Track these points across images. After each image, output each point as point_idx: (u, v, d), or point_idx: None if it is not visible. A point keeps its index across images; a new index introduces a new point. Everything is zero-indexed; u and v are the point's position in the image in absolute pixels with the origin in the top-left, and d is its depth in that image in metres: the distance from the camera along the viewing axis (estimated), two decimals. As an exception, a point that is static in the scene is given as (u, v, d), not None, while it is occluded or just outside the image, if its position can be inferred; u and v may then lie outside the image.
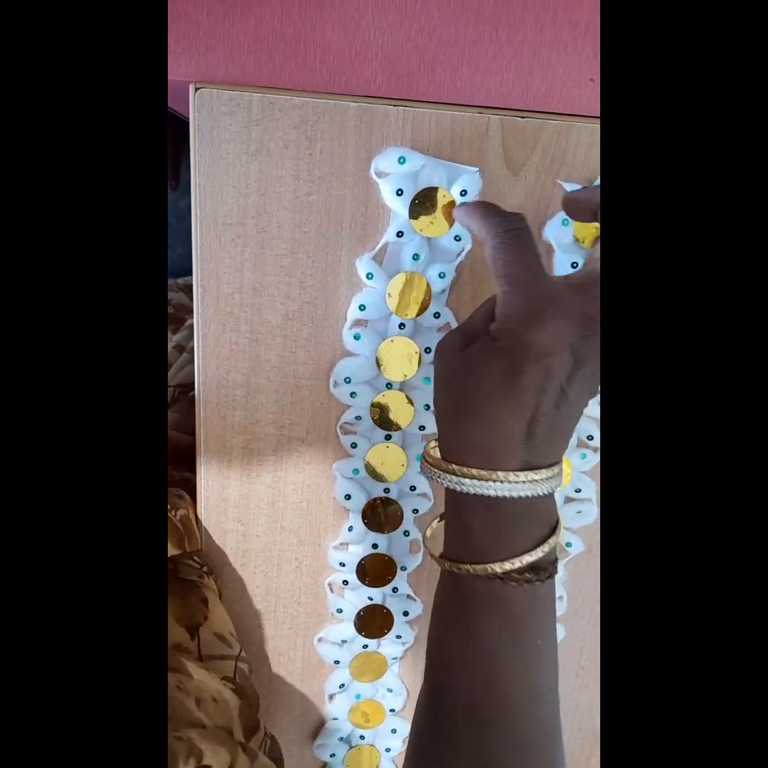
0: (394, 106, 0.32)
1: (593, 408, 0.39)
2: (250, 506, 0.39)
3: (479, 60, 0.33)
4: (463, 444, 0.27)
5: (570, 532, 0.42)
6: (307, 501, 0.39)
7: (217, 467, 0.38)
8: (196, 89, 0.31)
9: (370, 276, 0.34)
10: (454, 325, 0.36)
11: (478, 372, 0.26)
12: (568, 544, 0.42)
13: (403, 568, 0.41)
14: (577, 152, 0.34)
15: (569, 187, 0.34)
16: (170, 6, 0.30)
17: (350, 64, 0.33)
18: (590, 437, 0.40)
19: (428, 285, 0.34)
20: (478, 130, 0.33)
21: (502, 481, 0.26)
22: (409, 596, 0.42)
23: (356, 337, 0.35)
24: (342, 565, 0.41)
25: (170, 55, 0.31)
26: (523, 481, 0.26)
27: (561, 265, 0.36)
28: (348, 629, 0.42)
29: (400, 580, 0.41)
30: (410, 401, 0.37)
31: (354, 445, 0.38)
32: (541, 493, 0.26)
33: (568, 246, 0.35)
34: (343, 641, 0.43)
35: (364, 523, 0.40)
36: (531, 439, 0.26)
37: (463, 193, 0.33)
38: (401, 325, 0.35)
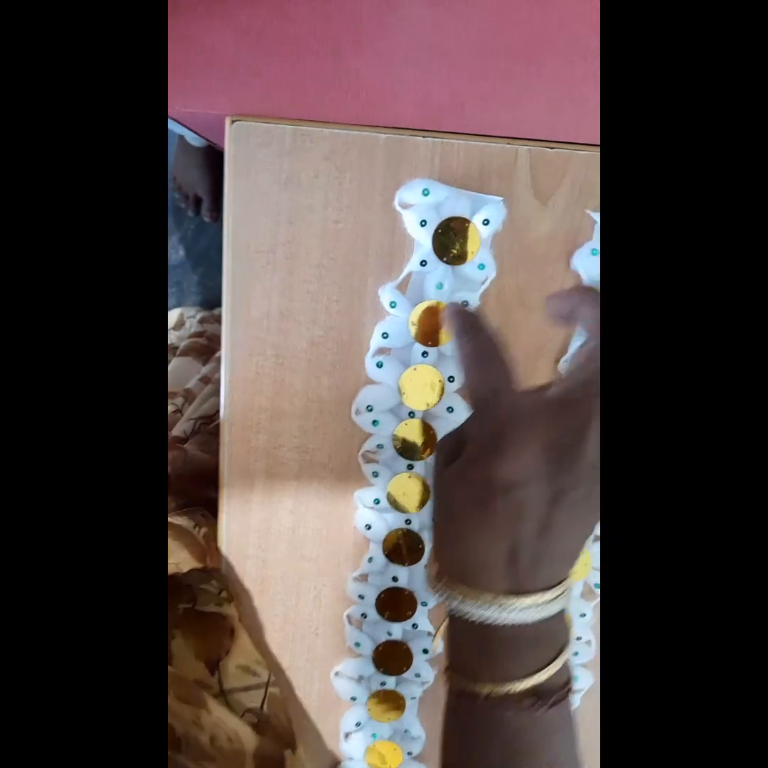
0: (424, 137, 0.33)
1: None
2: (271, 531, 0.39)
3: (509, 94, 0.33)
4: (448, 562, 0.26)
5: (599, 573, 0.40)
6: (327, 529, 0.39)
7: (240, 490, 0.38)
8: (232, 122, 0.33)
9: (393, 304, 0.34)
10: (480, 354, 0.35)
11: (453, 495, 0.25)
12: (597, 586, 0.40)
13: (424, 604, 0.40)
14: (607, 183, 0.34)
15: (597, 216, 0.34)
16: (208, 45, 0.32)
17: (382, 99, 0.33)
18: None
19: (453, 313, 0.34)
20: (506, 161, 0.33)
21: (489, 604, 0.24)
22: (429, 633, 0.41)
23: (379, 366, 0.35)
24: (361, 597, 0.40)
25: (208, 92, 0.33)
26: (510, 607, 0.24)
27: (590, 296, 0.35)
28: (366, 665, 0.41)
29: (421, 617, 0.40)
30: (432, 430, 0.36)
31: (376, 474, 0.38)
32: (529, 620, 0.24)
33: (597, 277, 0.35)
34: (361, 677, 0.41)
35: (385, 554, 0.39)
36: (514, 565, 0.24)
37: (486, 222, 0.33)
38: (424, 354, 0.35)
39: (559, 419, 0.23)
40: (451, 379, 0.36)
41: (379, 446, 0.37)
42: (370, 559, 0.39)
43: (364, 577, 0.40)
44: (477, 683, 0.25)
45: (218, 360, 0.54)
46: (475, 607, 0.24)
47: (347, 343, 0.36)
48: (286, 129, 0.33)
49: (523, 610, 0.24)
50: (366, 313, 0.35)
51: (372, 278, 0.35)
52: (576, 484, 0.23)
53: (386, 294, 0.34)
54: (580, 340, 0.28)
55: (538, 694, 0.24)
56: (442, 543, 0.26)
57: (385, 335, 0.35)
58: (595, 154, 0.33)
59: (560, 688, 0.25)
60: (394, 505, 0.38)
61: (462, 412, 0.36)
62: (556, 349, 0.37)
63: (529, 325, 0.36)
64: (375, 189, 0.34)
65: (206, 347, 0.57)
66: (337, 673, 0.42)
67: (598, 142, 0.34)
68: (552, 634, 0.25)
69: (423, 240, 0.33)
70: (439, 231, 0.33)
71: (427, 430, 0.36)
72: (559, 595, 0.25)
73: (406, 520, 0.38)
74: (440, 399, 0.36)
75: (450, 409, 0.36)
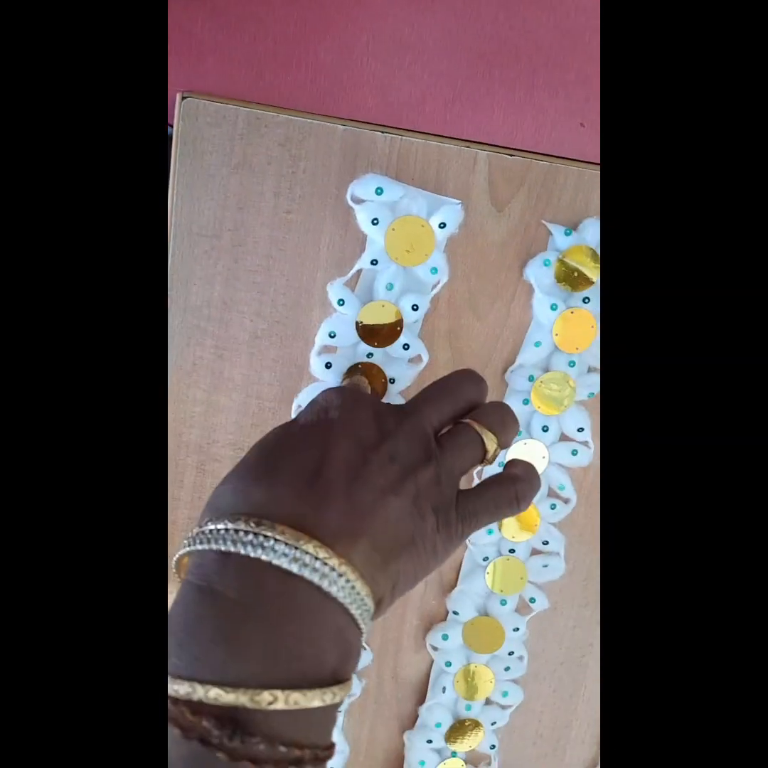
0: (383, 132, 0.32)
1: (565, 455, 0.37)
2: (199, 530, 0.37)
3: (471, 95, 0.33)
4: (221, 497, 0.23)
5: (534, 587, 0.40)
6: (259, 530, 0.37)
7: (168, 486, 0.36)
8: (183, 98, 0.31)
9: (341, 302, 0.33)
10: (425, 357, 0.35)
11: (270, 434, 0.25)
12: (532, 600, 0.40)
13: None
14: (563, 195, 0.34)
15: (554, 228, 0.34)
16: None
17: (341, 87, 0.33)
18: (561, 487, 0.38)
19: (400, 315, 0.33)
20: (465, 164, 0.33)
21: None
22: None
23: (327, 366, 0.34)
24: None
25: (159, 63, 0.31)
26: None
27: (540, 306, 0.35)
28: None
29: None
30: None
31: (314, 475, 0.36)
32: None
33: (548, 287, 0.35)
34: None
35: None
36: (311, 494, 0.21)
37: (442, 225, 0.32)
38: (369, 355, 0.34)
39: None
40: (392, 380, 0.35)
41: (319, 447, 0.36)
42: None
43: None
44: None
45: None
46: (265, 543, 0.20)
47: (291, 338, 0.35)
48: (240, 110, 0.31)
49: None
50: (313, 309, 0.34)
51: (322, 273, 0.34)
52: (398, 452, 0.23)
53: (334, 290, 0.33)
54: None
55: None
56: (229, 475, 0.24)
57: (332, 334, 0.34)
58: (555, 166, 0.33)
59: None
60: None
61: (406, 417, 0.36)
62: (505, 358, 0.36)
63: (479, 332, 0.35)
64: (330, 181, 0.33)
65: None
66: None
67: (556, 153, 0.34)
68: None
69: (375, 238, 0.32)
70: (393, 230, 0.32)
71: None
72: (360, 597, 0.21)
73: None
74: (384, 399, 0.35)
75: (394, 413, 0.35)
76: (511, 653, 0.40)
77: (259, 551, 0.18)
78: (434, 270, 0.33)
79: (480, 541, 0.38)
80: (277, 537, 0.18)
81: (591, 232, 0.34)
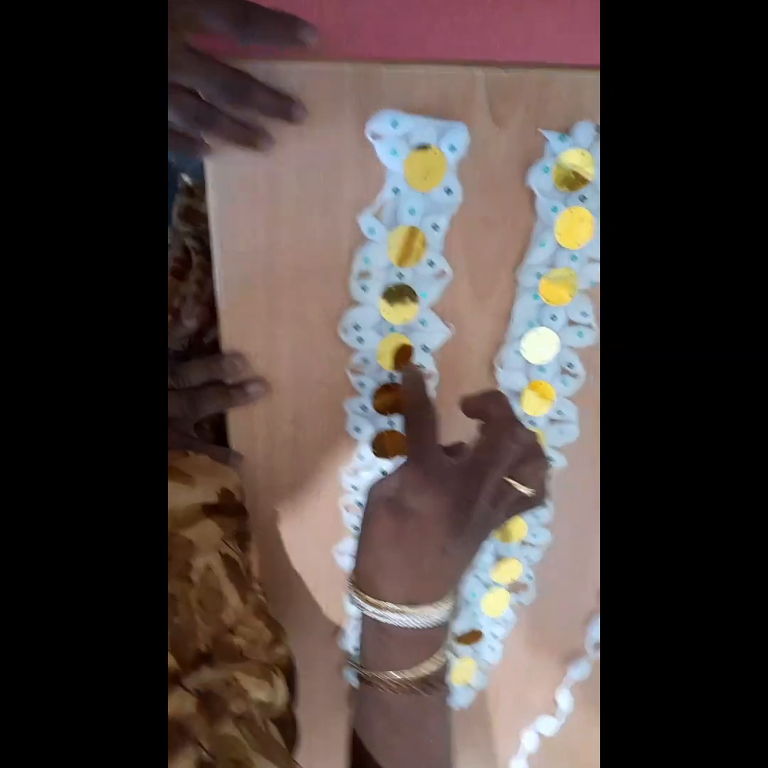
0: (387, 66, 0.35)
1: (572, 337, 0.43)
2: (275, 441, 0.44)
3: (464, 16, 0.35)
4: (362, 573, 0.34)
5: (553, 450, 0.47)
6: (323, 434, 0.44)
7: (244, 409, 0.42)
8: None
9: (372, 231, 0.37)
10: (449, 271, 0.40)
11: (379, 522, 0.33)
12: (552, 460, 0.48)
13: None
14: (557, 101, 0.37)
15: (549, 135, 0.37)
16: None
17: (346, 31, 0.35)
18: (570, 365, 0.44)
19: (424, 236, 0.38)
20: (465, 86, 0.36)
21: (387, 610, 0.32)
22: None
23: (364, 289, 0.39)
24: (354, 487, 0.46)
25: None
26: (404, 614, 0.32)
27: (543, 209, 0.39)
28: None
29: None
30: (409, 344, 0.41)
31: (362, 385, 0.42)
32: (420, 626, 0.32)
33: (549, 191, 0.39)
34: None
35: (373, 451, 0.45)
36: (414, 580, 0.32)
37: (452, 148, 0.36)
38: (400, 275, 0.39)
39: (465, 479, 0.32)
40: (424, 294, 0.40)
41: (365, 360, 0.42)
42: (361, 457, 0.45)
43: (355, 471, 0.46)
44: (376, 671, 0.33)
45: (195, 281, 0.55)
46: (380, 613, 0.32)
47: (330, 268, 0.39)
48: (257, 66, 0.33)
49: (417, 618, 0.32)
50: (344, 240, 0.38)
51: (349, 206, 0.38)
52: (469, 527, 0.32)
53: (365, 221, 0.37)
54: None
55: (421, 681, 0.33)
56: (361, 560, 0.34)
57: (366, 260, 0.38)
58: (547, 75, 0.36)
59: (438, 680, 0.33)
60: (378, 410, 0.43)
61: (434, 324, 0.41)
62: (515, 260, 0.41)
63: (492, 242, 0.40)
64: (344, 120, 0.36)
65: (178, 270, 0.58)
66: (340, 552, 0.49)
67: (548, 60, 0.36)
68: (435, 638, 0.33)
69: (395, 168, 0.36)
70: (410, 160, 0.36)
71: (406, 342, 0.41)
72: (446, 608, 0.33)
73: (389, 421, 0.44)
74: (416, 314, 0.40)
75: (423, 322, 0.41)
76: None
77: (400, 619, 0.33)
78: (449, 191, 0.37)
79: (507, 418, 0.45)
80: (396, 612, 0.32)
81: (583, 134, 0.38)
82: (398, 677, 0.32)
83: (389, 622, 0.32)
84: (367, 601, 0.33)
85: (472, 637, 0.55)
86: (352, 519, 0.47)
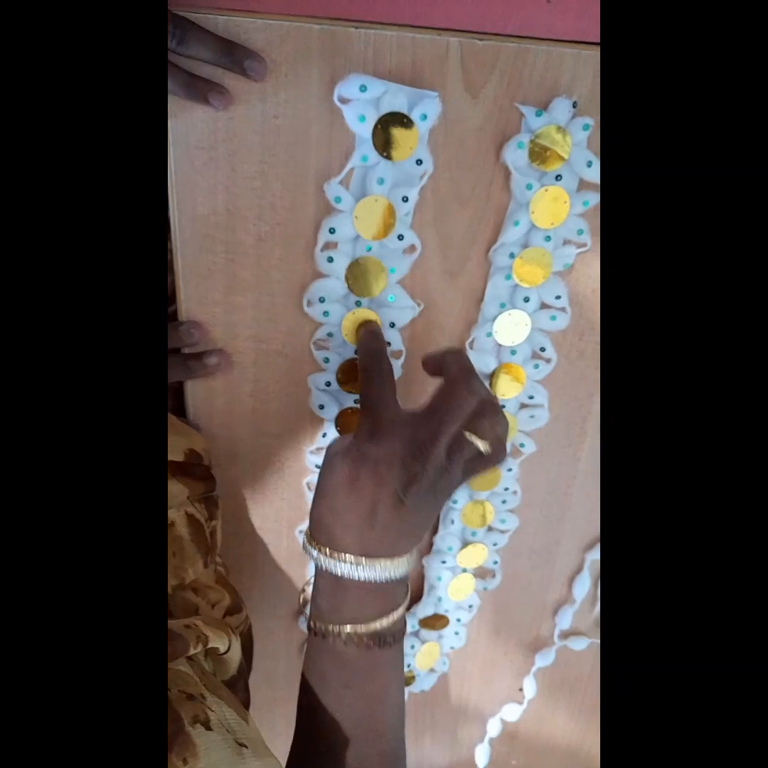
0: (356, 28, 0.33)
1: (545, 321, 0.42)
2: (235, 414, 0.43)
3: (439, -20, 0.33)
4: (318, 523, 0.33)
5: (523, 435, 0.47)
6: (285, 409, 0.43)
7: (202, 380, 0.41)
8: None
9: (338, 200, 0.36)
10: (419, 246, 0.38)
11: (334, 470, 0.33)
12: (522, 445, 0.47)
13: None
14: (533, 75, 0.35)
15: (526, 110, 0.36)
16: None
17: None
18: (542, 349, 0.43)
19: (393, 208, 0.37)
20: (438, 54, 0.34)
21: (343, 562, 0.31)
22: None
23: (329, 260, 0.38)
24: (317, 466, 0.45)
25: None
26: (360, 565, 0.31)
27: (517, 187, 0.38)
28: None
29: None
30: (377, 318, 0.40)
31: (326, 360, 0.41)
32: (376, 579, 0.31)
33: (524, 168, 0.37)
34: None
35: (337, 429, 0.44)
36: (370, 531, 0.31)
37: (424, 117, 0.35)
38: (368, 247, 0.38)
39: (421, 424, 0.32)
40: (392, 270, 0.39)
41: (330, 335, 0.40)
42: (324, 435, 0.44)
43: (320, 451, 0.45)
44: (329, 624, 0.32)
45: None
46: (335, 563, 0.31)
47: (293, 237, 0.38)
48: (218, 19, 0.32)
49: (373, 570, 0.31)
50: (310, 207, 0.37)
51: (314, 173, 0.36)
52: (425, 475, 0.31)
53: (331, 189, 0.36)
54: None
55: (374, 636, 0.32)
56: (316, 509, 0.33)
57: (332, 230, 0.37)
58: (524, 47, 0.35)
59: (391, 636, 0.33)
60: (343, 386, 0.42)
61: (402, 300, 0.40)
62: (488, 238, 0.40)
63: (463, 217, 0.39)
64: (312, 82, 0.34)
65: None
66: (301, 531, 0.48)
67: (524, 33, 0.35)
68: (391, 592, 0.33)
69: (364, 135, 0.35)
70: (379, 126, 0.34)
71: (373, 317, 0.40)
72: (403, 562, 0.32)
73: (355, 400, 0.43)
74: (384, 288, 0.39)
75: (391, 298, 0.40)
76: (506, 489, 0.48)
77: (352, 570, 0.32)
78: (419, 161, 0.36)
79: (475, 400, 0.44)
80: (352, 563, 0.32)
81: (560, 110, 0.36)
82: (350, 630, 0.32)
83: (344, 573, 0.31)
84: (321, 551, 0.32)
85: (437, 621, 0.54)
86: (315, 498, 0.47)
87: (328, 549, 0.32)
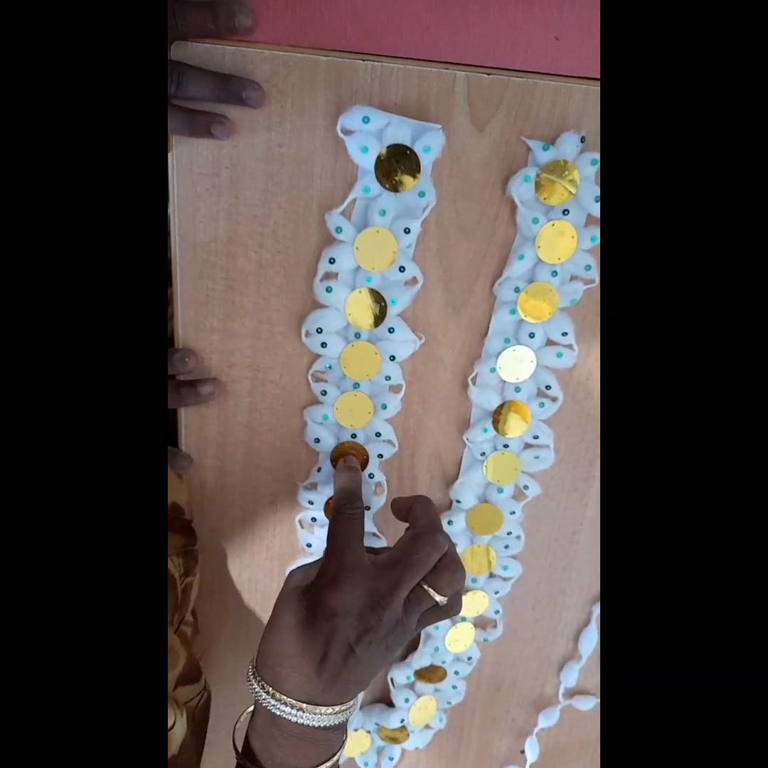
0: (363, 60, 0.33)
1: (551, 358, 0.41)
2: (227, 444, 0.41)
3: (446, 15, 0.33)
4: (265, 659, 0.32)
5: (527, 476, 0.45)
6: (280, 441, 0.42)
7: (195, 408, 0.40)
8: (172, 42, 0.32)
9: (339, 230, 0.36)
10: (420, 278, 0.38)
11: (290, 608, 0.32)
12: (526, 487, 0.45)
13: (367, 508, 0.44)
14: (541, 110, 0.35)
15: (533, 144, 0.36)
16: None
17: (320, 16, 0.33)
18: (548, 387, 0.42)
19: (394, 239, 0.36)
20: (444, 87, 0.34)
21: (283, 704, 0.31)
22: (374, 534, 0.45)
23: (328, 290, 0.37)
24: (311, 503, 0.43)
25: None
26: (301, 711, 0.30)
27: (523, 220, 0.37)
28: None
29: (366, 519, 0.44)
30: (377, 352, 0.39)
31: (324, 393, 0.40)
32: (317, 725, 0.31)
33: (531, 202, 0.37)
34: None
35: (332, 465, 0.42)
36: (317, 678, 0.31)
37: (427, 149, 0.34)
38: (369, 279, 0.37)
39: (382, 575, 0.32)
40: (393, 301, 0.38)
41: (328, 367, 0.39)
42: (319, 469, 0.43)
43: (313, 486, 0.43)
44: (261, 763, 0.31)
45: None
46: (275, 704, 0.31)
47: (294, 266, 0.37)
48: (226, 50, 0.32)
49: (312, 717, 0.31)
50: (312, 237, 0.37)
51: (316, 202, 0.36)
52: (381, 627, 0.31)
53: (332, 220, 0.36)
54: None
55: None
56: (266, 644, 0.33)
57: (332, 260, 0.36)
58: (531, 82, 0.35)
59: None
60: (342, 421, 0.41)
61: (403, 333, 0.39)
62: (493, 272, 0.39)
63: (467, 250, 0.38)
64: (317, 113, 0.34)
65: None
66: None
67: (532, 68, 0.35)
68: (330, 741, 0.32)
69: (366, 166, 0.35)
70: (381, 158, 0.34)
71: (373, 351, 0.39)
72: (345, 710, 0.32)
73: (352, 435, 0.42)
74: (383, 321, 0.38)
75: (391, 330, 0.39)
76: (509, 533, 0.46)
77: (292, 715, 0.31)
78: (422, 193, 0.35)
79: (476, 439, 0.43)
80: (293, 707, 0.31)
81: (568, 145, 0.36)
82: None
83: (282, 715, 0.30)
84: (264, 689, 0.31)
85: (434, 673, 0.51)
86: (308, 537, 0.45)
87: (271, 689, 0.31)
